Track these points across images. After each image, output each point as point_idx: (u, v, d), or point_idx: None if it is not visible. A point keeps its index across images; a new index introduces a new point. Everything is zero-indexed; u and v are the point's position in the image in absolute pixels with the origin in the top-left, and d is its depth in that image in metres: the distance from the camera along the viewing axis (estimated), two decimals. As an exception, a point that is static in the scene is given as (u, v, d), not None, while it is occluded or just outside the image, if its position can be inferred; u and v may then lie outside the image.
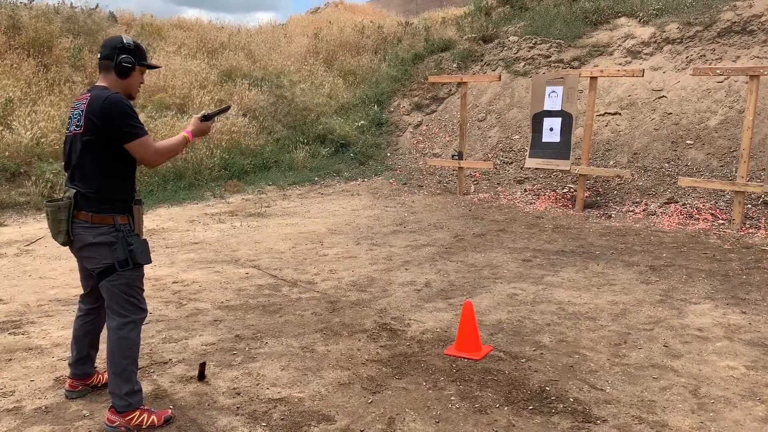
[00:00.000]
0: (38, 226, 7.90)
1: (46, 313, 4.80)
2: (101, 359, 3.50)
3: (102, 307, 3.16)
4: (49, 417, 3.19)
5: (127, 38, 3.06)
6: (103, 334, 3.26)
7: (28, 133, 9.41)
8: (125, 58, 2.99)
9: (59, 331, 4.38)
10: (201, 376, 3.59)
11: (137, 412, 3.02)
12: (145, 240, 3.09)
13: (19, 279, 5.76)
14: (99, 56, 3.05)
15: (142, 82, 3.17)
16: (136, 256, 2.99)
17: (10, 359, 3.90)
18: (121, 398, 3.00)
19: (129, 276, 3.01)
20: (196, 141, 10.83)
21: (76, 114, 2.99)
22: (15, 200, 8.65)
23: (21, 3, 12.68)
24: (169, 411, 3.16)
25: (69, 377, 3.41)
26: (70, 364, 3.41)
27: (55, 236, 3.03)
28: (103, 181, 2.95)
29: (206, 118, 3.27)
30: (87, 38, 12.61)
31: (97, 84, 3.08)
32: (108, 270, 2.98)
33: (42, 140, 9.52)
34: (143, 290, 3.15)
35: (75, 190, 2.97)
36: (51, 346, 4.11)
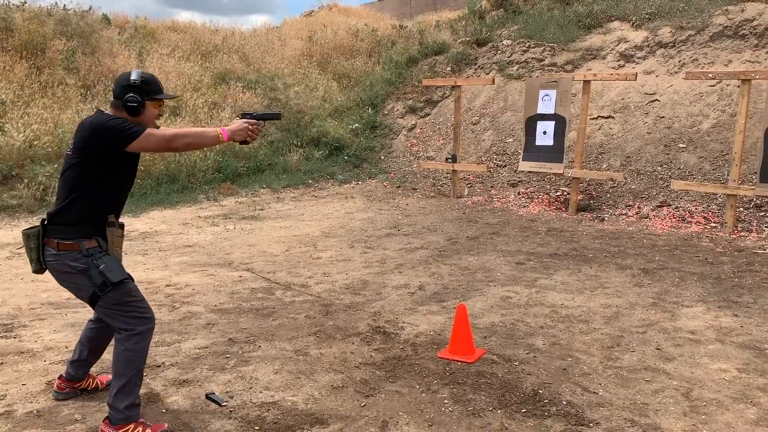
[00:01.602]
0: (30, 228, 7.85)
1: (38, 316, 4.77)
2: (96, 363, 3.49)
3: None
4: (41, 421, 3.17)
5: (136, 74, 2.96)
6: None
7: (21, 135, 9.37)
8: (130, 97, 2.91)
9: (51, 335, 4.36)
10: (215, 400, 3.43)
11: (132, 425, 2.96)
12: (113, 256, 2.98)
13: (11, 282, 5.73)
14: (112, 95, 3.02)
15: (160, 114, 3.09)
16: (108, 276, 2.89)
17: (2, 363, 3.88)
18: (120, 411, 2.94)
19: (114, 296, 2.94)
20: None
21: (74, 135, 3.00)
22: (7, 203, 8.61)
23: (13, 5, 12.64)
24: (166, 425, 3.07)
25: (59, 377, 3.39)
26: (67, 362, 3.38)
27: (30, 263, 3.01)
28: (72, 203, 2.90)
29: (245, 116, 3.11)
30: (80, 40, 12.57)
31: (104, 111, 3.02)
32: (93, 297, 2.94)
33: (35, 143, 9.49)
34: (141, 299, 3.05)
35: (44, 218, 2.96)
36: (43, 350, 4.09)
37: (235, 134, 3.06)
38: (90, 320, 3.33)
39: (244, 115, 3.14)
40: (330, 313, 4.87)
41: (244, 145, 3.46)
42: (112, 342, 3.11)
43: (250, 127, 3.09)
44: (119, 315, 2.98)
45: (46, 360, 3.93)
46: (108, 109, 3.06)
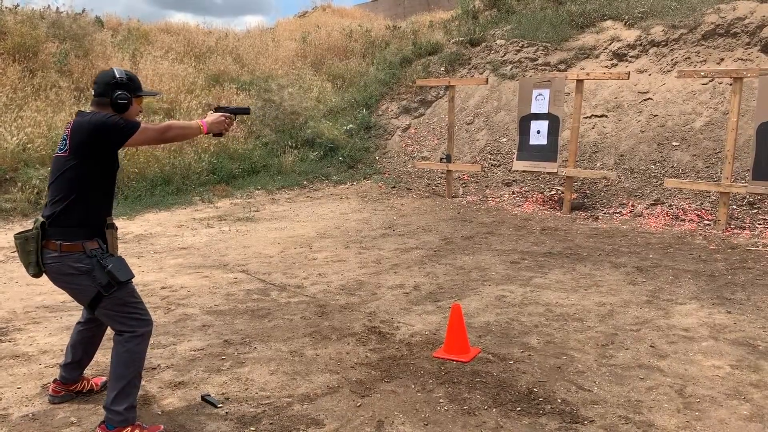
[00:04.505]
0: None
1: (33, 320, 4.76)
2: (90, 366, 3.49)
3: None
4: (36, 424, 3.17)
5: (119, 72, 3.02)
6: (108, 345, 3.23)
7: (14, 138, 9.34)
8: (121, 94, 2.97)
9: (46, 338, 4.36)
10: (211, 401, 3.42)
11: (129, 428, 2.95)
12: (120, 257, 3.03)
13: (5, 286, 5.71)
14: (93, 93, 3.02)
15: (140, 111, 3.17)
16: (116, 275, 2.91)
17: (-3, 367, 3.88)
18: (119, 414, 2.93)
19: (118, 296, 2.96)
20: (189, 142, 10.79)
21: (63, 137, 2.98)
22: (1, 206, 8.58)
23: (5, 7, 12.58)
24: (161, 427, 3.07)
25: (54, 381, 3.39)
26: (60, 365, 3.38)
27: (26, 268, 2.98)
28: (73, 205, 2.91)
29: (219, 110, 3.28)
30: (73, 43, 12.53)
31: (86, 111, 3.04)
32: (96, 298, 2.94)
33: (28, 146, 9.46)
34: (141, 301, 3.08)
35: (43, 219, 2.93)
36: (38, 353, 4.09)
37: (213, 126, 3.24)
38: (78, 322, 3.33)
39: (218, 109, 3.31)
40: (325, 313, 4.87)
41: (217, 137, 3.71)
42: (108, 345, 3.11)
43: (226, 120, 3.27)
44: (121, 316, 2.99)
45: (41, 363, 3.92)
46: (89, 108, 3.08)
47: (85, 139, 2.88)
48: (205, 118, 3.26)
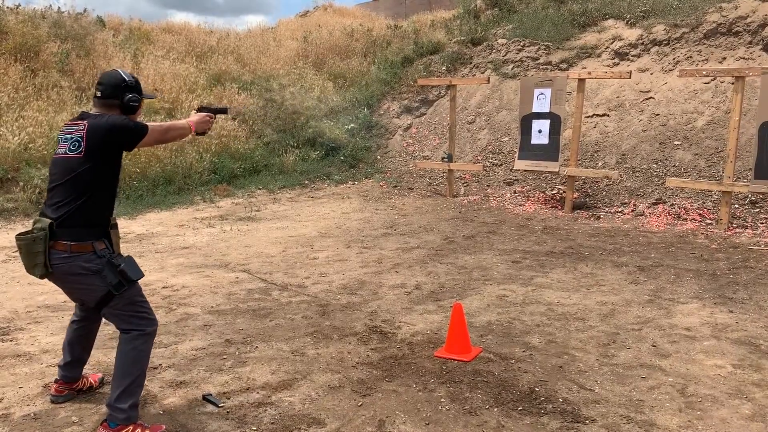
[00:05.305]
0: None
1: (34, 319, 4.77)
2: (90, 364, 3.49)
3: (97, 313, 3.13)
4: (38, 424, 3.17)
5: (126, 74, 3.06)
6: (106, 344, 3.22)
7: (16, 138, 9.35)
8: (133, 97, 3.04)
9: (48, 338, 4.36)
10: (212, 401, 3.42)
11: (131, 427, 2.95)
12: (130, 256, 3.05)
13: (7, 285, 5.72)
14: (99, 95, 3.01)
15: (141, 113, 3.24)
16: (128, 274, 2.93)
17: (-2, 366, 3.88)
18: (123, 411, 2.93)
19: (128, 295, 2.98)
20: (191, 142, 10.80)
21: (68, 138, 2.94)
22: (3, 206, 8.59)
23: (7, 7, 12.59)
24: (163, 427, 3.07)
25: (55, 381, 3.39)
26: (59, 366, 3.38)
27: (30, 269, 2.93)
28: (84, 206, 2.90)
29: (201, 110, 3.38)
30: (74, 43, 12.53)
31: (90, 112, 3.06)
32: (105, 298, 2.95)
33: (30, 146, 9.47)
34: (147, 300, 3.11)
35: (49, 220, 2.89)
36: (39, 353, 4.09)
37: (199, 126, 3.34)
38: (72, 321, 3.33)
39: (201, 109, 3.42)
40: (327, 313, 4.87)
41: (200, 136, 3.82)
42: (110, 344, 3.12)
43: (210, 120, 3.38)
44: (129, 315, 3.00)
45: (43, 363, 3.93)
46: (93, 109, 3.10)
47: (104, 140, 2.90)
48: (189, 118, 3.34)
